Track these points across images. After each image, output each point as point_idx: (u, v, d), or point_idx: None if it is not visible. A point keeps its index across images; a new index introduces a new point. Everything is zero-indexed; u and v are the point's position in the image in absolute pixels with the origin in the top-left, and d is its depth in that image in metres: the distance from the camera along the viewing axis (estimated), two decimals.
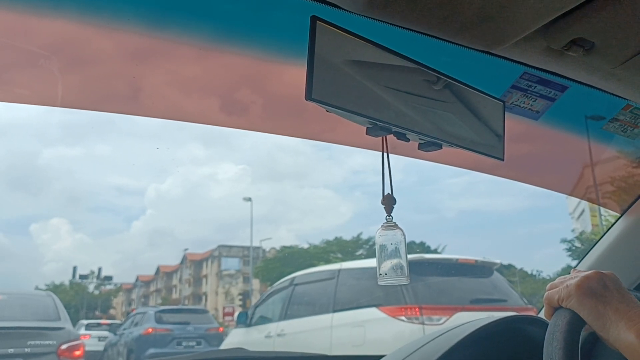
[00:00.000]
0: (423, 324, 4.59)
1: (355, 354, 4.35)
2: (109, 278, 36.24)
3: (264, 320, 6.33)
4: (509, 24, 0.76)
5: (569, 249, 23.18)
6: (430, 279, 5.12)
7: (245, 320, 6.51)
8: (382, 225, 0.80)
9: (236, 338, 6.65)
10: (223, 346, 7.41)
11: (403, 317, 4.70)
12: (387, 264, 0.79)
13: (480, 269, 5.48)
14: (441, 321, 4.61)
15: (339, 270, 5.74)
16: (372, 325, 4.83)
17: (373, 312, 4.91)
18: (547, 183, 1.58)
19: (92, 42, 0.96)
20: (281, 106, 1.17)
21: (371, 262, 5.65)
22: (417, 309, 4.70)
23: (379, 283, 0.80)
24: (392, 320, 4.73)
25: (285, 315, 5.89)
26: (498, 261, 5.71)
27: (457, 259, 5.56)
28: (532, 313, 1.39)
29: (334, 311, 5.30)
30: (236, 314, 7.13)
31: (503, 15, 0.74)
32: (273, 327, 5.91)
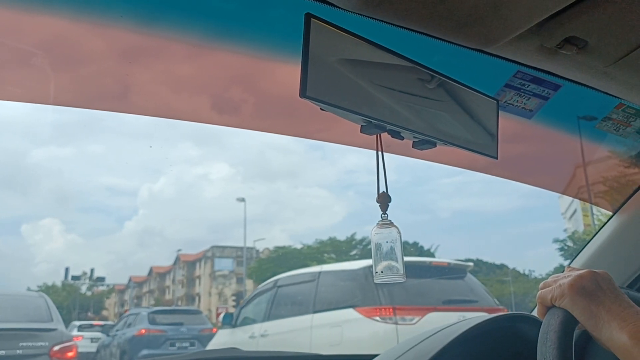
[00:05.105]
0: (396, 323, 4.77)
1: (337, 353, 4.41)
2: (101, 279, 36.04)
3: (248, 321, 6.45)
4: (502, 23, 0.77)
5: (561, 249, 23.35)
6: (406, 281, 5.25)
7: (230, 321, 6.61)
8: (377, 224, 0.80)
9: (222, 339, 6.74)
10: (210, 347, 7.38)
11: (377, 317, 4.87)
12: (383, 262, 0.79)
13: (453, 271, 5.70)
14: (414, 321, 4.81)
15: (320, 273, 5.92)
16: (349, 325, 5.01)
17: (350, 313, 5.09)
18: (540, 182, 1.58)
19: (83, 40, 0.96)
20: (275, 104, 1.17)
21: (349, 265, 5.98)
22: (390, 310, 4.88)
23: (375, 281, 0.80)
24: (367, 321, 4.90)
25: (268, 316, 6.03)
26: (470, 263, 6.01)
27: (430, 262, 5.88)
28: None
29: (314, 312, 5.47)
30: (221, 316, 7.15)
31: (497, 14, 0.75)
32: (257, 328, 6.02)
